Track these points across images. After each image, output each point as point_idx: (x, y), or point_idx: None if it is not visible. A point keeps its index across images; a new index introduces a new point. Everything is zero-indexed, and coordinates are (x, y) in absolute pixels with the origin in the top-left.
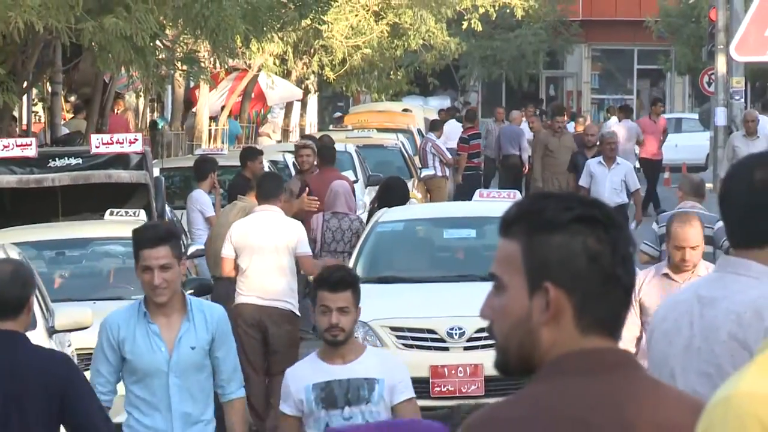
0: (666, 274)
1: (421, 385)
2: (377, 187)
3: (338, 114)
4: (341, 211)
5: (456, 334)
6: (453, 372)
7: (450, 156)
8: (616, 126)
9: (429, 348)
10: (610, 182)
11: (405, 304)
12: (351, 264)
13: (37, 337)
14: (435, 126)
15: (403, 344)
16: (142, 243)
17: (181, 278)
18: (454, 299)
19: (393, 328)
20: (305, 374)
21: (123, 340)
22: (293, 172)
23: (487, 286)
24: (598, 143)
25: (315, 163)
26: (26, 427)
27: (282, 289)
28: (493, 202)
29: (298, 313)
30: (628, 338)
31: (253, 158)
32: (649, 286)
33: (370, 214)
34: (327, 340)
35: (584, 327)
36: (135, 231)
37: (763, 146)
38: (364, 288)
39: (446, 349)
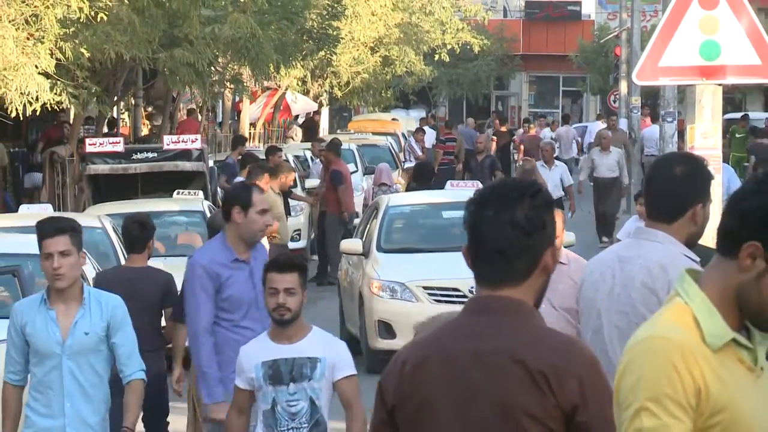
0: None
1: None
2: (373, 175)
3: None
4: (386, 182)
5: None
6: None
7: (420, 153)
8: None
9: (456, 302)
10: (551, 181)
11: (430, 268)
12: (374, 239)
13: None
14: (416, 132)
15: (435, 300)
16: (45, 233)
17: (80, 270)
18: (462, 264)
19: (425, 287)
20: (256, 352)
21: (24, 324)
22: (311, 163)
23: None
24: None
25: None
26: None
27: None
28: (466, 190)
29: None
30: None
31: (273, 153)
32: None
33: (407, 190)
34: (275, 320)
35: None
36: (39, 223)
37: (614, 158)
38: (390, 257)
39: None
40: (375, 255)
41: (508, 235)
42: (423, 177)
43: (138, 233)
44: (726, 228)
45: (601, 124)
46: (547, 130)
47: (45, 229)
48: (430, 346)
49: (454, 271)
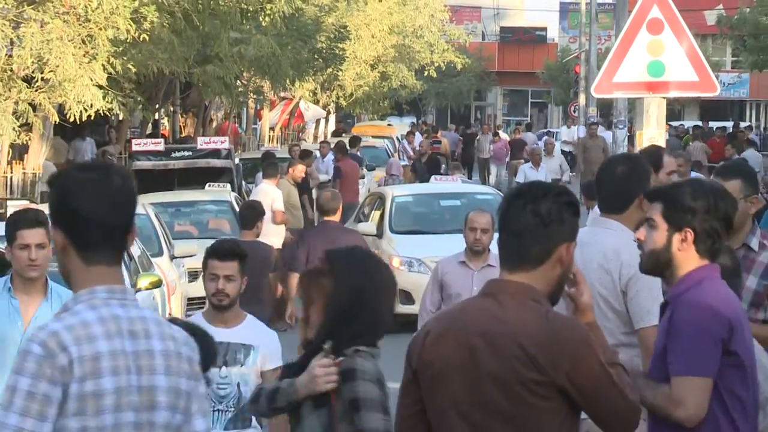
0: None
1: None
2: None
3: (340, 124)
4: (395, 173)
5: None
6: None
7: (411, 153)
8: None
9: None
10: (523, 176)
11: (437, 246)
12: (386, 223)
13: (163, 262)
14: (407, 135)
15: None
16: (21, 224)
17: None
18: (461, 244)
19: (437, 262)
20: None
21: None
22: (321, 160)
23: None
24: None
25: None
26: None
27: None
28: (450, 183)
29: None
30: None
31: (306, 156)
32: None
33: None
34: (213, 304)
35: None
36: (12, 215)
37: (544, 173)
38: (402, 238)
39: None
40: (389, 235)
41: (527, 221)
42: (434, 168)
43: (248, 214)
44: None
45: (566, 129)
46: (530, 134)
47: (22, 220)
48: (450, 320)
49: (457, 249)
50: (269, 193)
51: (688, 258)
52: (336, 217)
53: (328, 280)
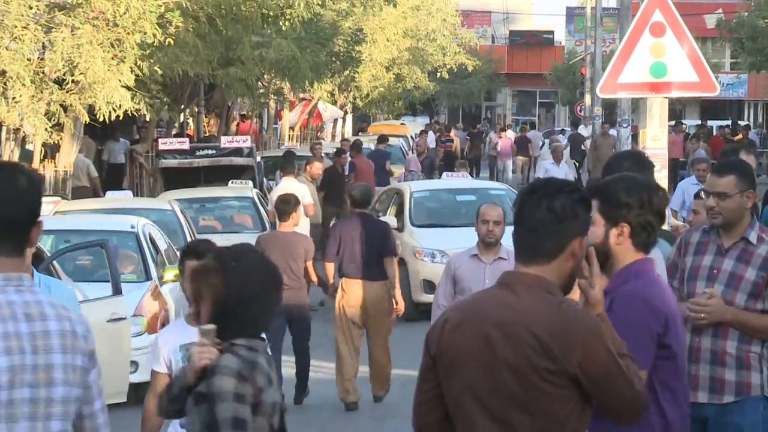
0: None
1: None
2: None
3: (364, 124)
4: (413, 169)
5: None
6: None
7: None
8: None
9: None
10: (558, 176)
11: (456, 238)
12: (406, 217)
13: None
14: (421, 134)
15: None
16: None
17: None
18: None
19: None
20: (174, 336)
21: None
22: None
23: None
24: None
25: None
26: None
27: None
28: (462, 179)
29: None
30: None
31: (338, 155)
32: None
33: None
34: None
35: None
36: None
37: (565, 169)
38: (423, 231)
39: None
40: (410, 228)
41: (542, 217)
42: (450, 164)
43: (283, 207)
44: None
45: (583, 128)
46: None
47: None
48: (467, 310)
49: (475, 241)
50: (297, 190)
51: (625, 251)
52: (367, 209)
53: (217, 276)
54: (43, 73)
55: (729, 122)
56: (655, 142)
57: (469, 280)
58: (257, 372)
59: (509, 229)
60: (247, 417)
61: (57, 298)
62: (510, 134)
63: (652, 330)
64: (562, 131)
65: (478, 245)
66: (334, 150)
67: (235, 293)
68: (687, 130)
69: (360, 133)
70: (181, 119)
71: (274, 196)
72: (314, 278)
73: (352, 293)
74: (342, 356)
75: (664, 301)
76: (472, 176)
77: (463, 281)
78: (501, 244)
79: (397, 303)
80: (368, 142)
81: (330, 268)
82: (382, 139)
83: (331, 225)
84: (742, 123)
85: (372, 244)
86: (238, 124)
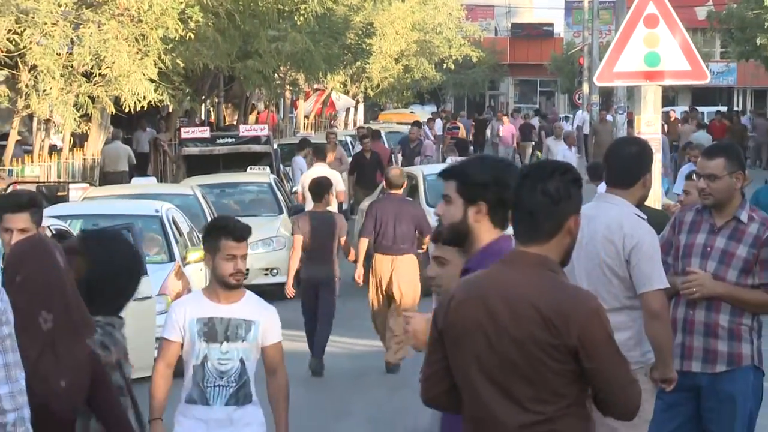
0: None
1: None
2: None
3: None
4: (429, 154)
5: None
6: None
7: (432, 138)
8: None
9: None
10: (561, 155)
11: None
12: (421, 198)
13: None
14: (428, 121)
15: None
16: (4, 208)
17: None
18: None
19: None
20: (192, 309)
21: None
22: (351, 146)
23: None
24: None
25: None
26: None
27: None
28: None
29: None
30: None
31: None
32: None
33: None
34: (229, 284)
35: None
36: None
37: (574, 153)
38: None
39: None
40: (426, 209)
41: (538, 201)
42: (462, 150)
43: (316, 189)
44: None
45: (584, 114)
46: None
47: (5, 204)
48: (472, 286)
49: None
50: (331, 175)
51: (483, 228)
52: (401, 191)
53: (81, 258)
54: (71, 66)
55: (725, 108)
56: (650, 127)
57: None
58: (116, 346)
59: None
60: (119, 382)
61: None
62: (508, 121)
63: None
64: (566, 117)
65: None
66: (360, 136)
67: (96, 274)
68: (677, 116)
69: (371, 121)
70: (203, 109)
71: (305, 180)
72: (352, 256)
73: (384, 267)
74: (377, 326)
75: None
76: None
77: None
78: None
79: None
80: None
81: (364, 243)
82: (418, 124)
83: (368, 204)
84: (736, 109)
85: (406, 223)
86: (258, 114)
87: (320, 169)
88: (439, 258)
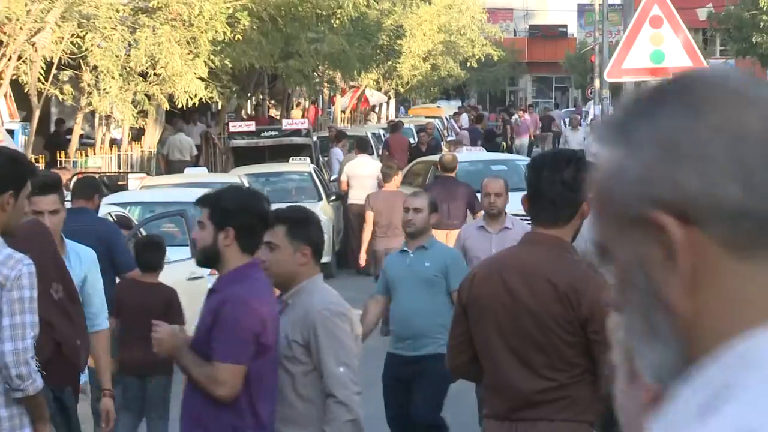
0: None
1: None
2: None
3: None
4: (465, 144)
5: None
6: None
7: (458, 130)
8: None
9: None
10: (576, 143)
11: None
12: None
13: None
14: (454, 115)
15: None
16: (33, 190)
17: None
18: (516, 201)
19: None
20: None
21: None
22: (381, 138)
23: (517, 195)
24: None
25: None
26: None
27: None
28: (480, 153)
29: None
30: None
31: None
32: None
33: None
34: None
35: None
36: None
37: (582, 134)
38: None
39: None
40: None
41: (559, 191)
42: (490, 139)
43: (387, 171)
44: None
45: (596, 107)
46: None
47: (34, 185)
48: (494, 264)
49: (514, 207)
50: (375, 165)
51: (232, 253)
52: (453, 174)
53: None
54: (129, 67)
55: None
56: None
57: (476, 249)
58: None
59: (513, 197)
60: None
61: (87, 265)
62: (527, 116)
63: (252, 330)
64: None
65: (485, 217)
66: (417, 130)
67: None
68: None
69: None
70: (249, 105)
71: (349, 170)
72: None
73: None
74: None
75: (264, 304)
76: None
77: (471, 251)
78: (506, 213)
79: None
80: (408, 123)
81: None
82: (456, 116)
83: (425, 185)
84: None
85: (459, 201)
86: (305, 109)
87: (363, 161)
88: (270, 243)
